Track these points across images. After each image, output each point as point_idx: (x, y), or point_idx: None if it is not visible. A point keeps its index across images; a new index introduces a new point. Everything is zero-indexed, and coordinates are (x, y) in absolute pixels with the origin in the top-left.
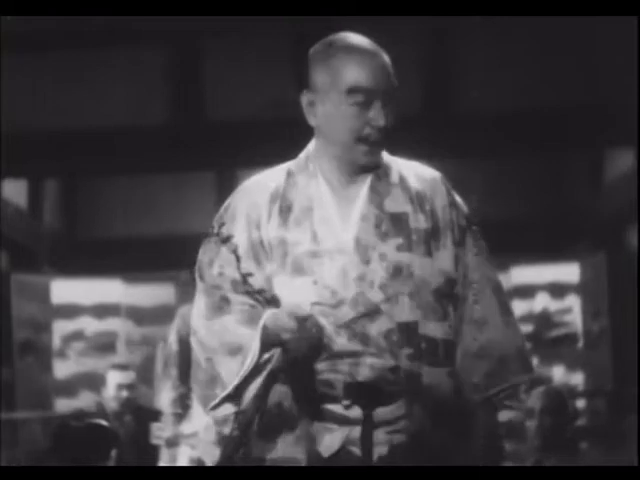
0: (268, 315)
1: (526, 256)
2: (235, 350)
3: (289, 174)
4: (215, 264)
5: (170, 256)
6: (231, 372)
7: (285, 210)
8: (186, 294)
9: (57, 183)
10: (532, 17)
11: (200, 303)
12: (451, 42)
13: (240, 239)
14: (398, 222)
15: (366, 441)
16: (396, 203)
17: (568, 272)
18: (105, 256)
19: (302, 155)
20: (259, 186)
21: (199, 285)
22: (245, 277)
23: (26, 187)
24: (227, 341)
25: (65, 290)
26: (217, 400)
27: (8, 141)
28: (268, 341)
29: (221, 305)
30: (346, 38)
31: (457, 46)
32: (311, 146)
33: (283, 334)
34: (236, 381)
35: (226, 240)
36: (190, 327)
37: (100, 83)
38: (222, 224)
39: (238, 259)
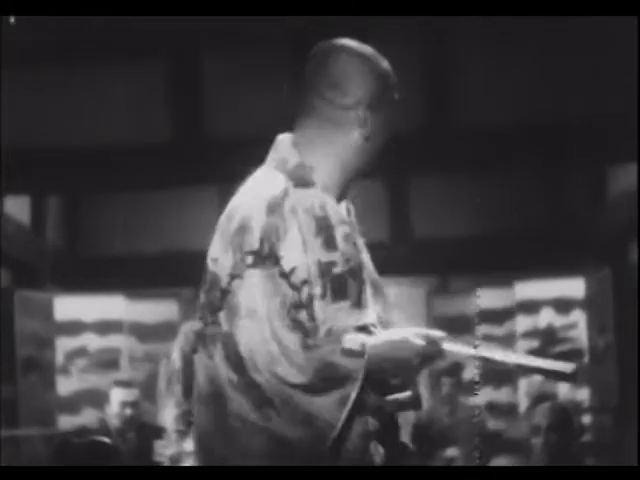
0: (379, 342)
1: (530, 271)
2: (336, 383)
3: (288, 189)
4: (282, 300)
5: (172, 272)
6: (330, 408)
7: (318, 230)
8: (189, 311)
9: (59, 200)
10: (536, 31)
11: (273, 339)
12: (451, 56)
13: (298, 265)
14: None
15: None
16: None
17: (573, 287)
18: (108, 273)
19: (295, 167)
20: (276, 202)
21: (265, 323)
22: (308, 304)
23: (29, 204)
24: (326, 375)
25: (68, 307)
26: (330, 443)
27: (9, 157)
28: (376, 369)
29: (307, 344)
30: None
31: (457, 60)
32: (296, 158)
33: (413, 359)
34: (343, 418)
35: (291, 272)
36: (250, 365)
37: (101, 99)
38: (274, 252)
39: (298, 288)
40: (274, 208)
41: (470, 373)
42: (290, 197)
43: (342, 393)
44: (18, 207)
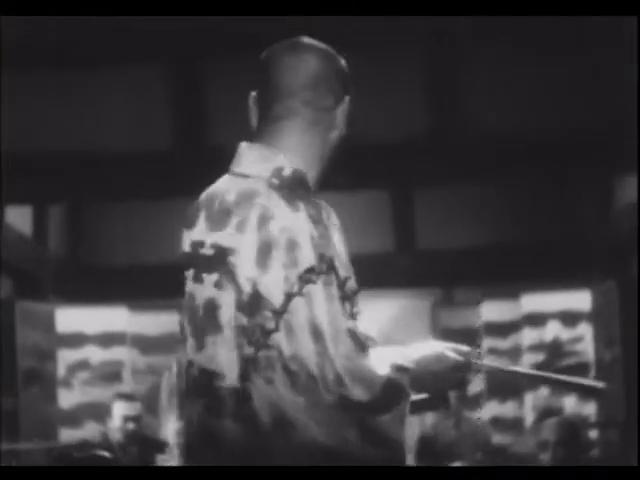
0: (418, 358)
1: (536, 284)
2: (395, 400)
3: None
4: (343, 313)
5: (176, 283)
6: (393, 426)
7: (341, 239)
8: None
9: (62, 208)
10: (546, 38)
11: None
12: (457, 67)
13: (349, 275)
14: None
15: None
16: None
17: (580, 300)
18: (110, 283)
19: (294, 175)
20: (315, 211)
21: (332, 341)
22: (355, 316)
23: (30, 212)
24: (388, 392)
25: (70, 318)
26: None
27: (10, 163)
28: (417, 384)
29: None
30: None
31: (464, 70)
32: (289, 165)
33: (451, 373)
34: (415, 436)
35: (344, 282)
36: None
37: (103, 108)
38: (331, 264)
39: (351, 299)
40: (315, 218)
41: (475, 387)
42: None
43: (400, 410)
44: (19, 215)
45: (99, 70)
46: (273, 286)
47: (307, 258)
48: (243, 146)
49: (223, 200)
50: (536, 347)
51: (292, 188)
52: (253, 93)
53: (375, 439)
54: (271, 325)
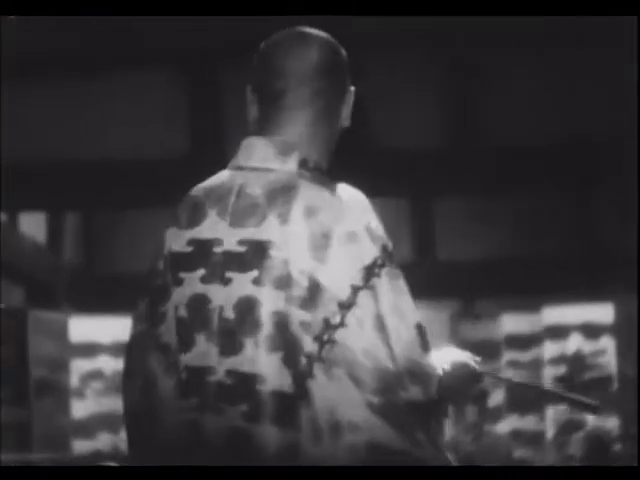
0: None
1: (558, 296)
2: (437, 402)
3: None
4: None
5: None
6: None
7: None
8: None
9: (76, 216)
10: (563, 48)
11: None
12: (475, 76)
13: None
14: None
15: None
16: None
17: (602, 312)
18: (124, 293)
19: (317, 166)
20: (365, 200)
21: (402, 334)
22: None
23: (44, 220)
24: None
25: (83, 328)
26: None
27: (23, 171)
28: (443, 393)
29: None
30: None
31: (482, 80)
32: (312, 156)
33: (474, 383)
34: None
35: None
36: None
37: (117, 114)
38: (393, 253)
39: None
40: (369, 206)
41: (495, 400)
42: None
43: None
44: (33, 224)
45: (114, 77)
46: (336, 278)
47: (370, 250)
48: (252, 140)
49: (244, 194)
50: (557, 360)
51: (322, 180)
52: (251, 85)
53: (439, 441)
54: (337, 319)
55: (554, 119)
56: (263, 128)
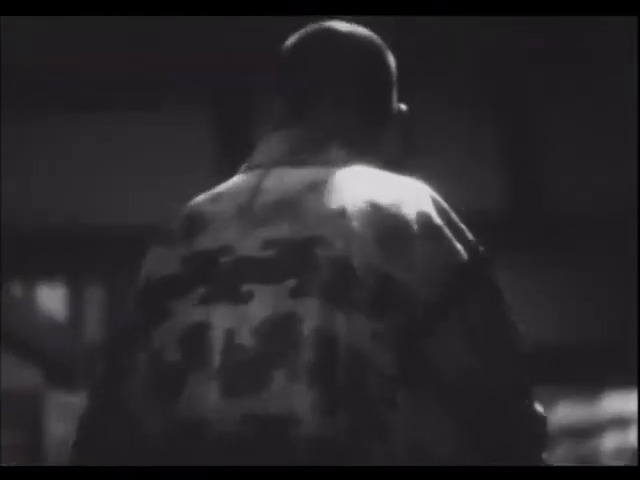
0: None
1: (619, 384)
2: None
3: None
4: None
5: None
6: None
7: None
8: None
9: (98, 288)
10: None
11: None
12: (535, 138)
13: None
14: None
15: None
16: None
17: None
18: None
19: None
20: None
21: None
22: None
23: (64, 292)
24: None
25: None
26: None
27: (42, 237)
28: None
29: None
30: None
31: (542, 141)
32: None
33: None
34: None
35: None
36: None
37: (145, 181)
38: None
39: None
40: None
41: None
42: None
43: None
44: (52, 295)
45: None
46: (418, 280)
47: (460, 249)
48: (274, 135)
49: (268, 191)
50: (619, 452)
51: (377, 170)
52: (279, 83)
53: None
54: (423, 326)
55: (619, 188)
56: (288, 123)
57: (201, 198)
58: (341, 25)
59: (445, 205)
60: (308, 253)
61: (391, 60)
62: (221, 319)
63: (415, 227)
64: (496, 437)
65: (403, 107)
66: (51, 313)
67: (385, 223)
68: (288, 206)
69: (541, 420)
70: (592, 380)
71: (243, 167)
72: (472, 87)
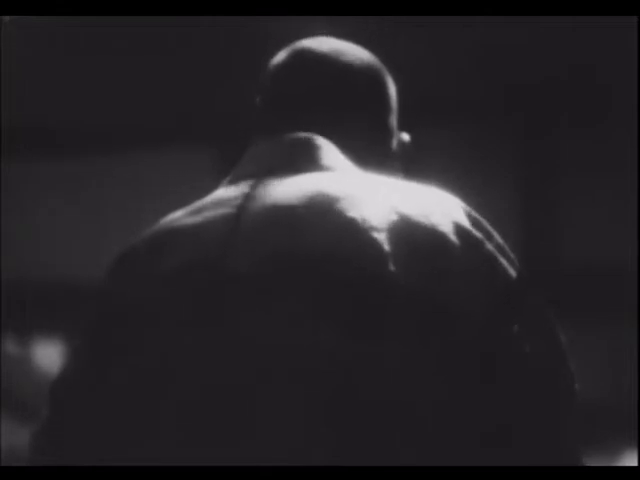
0: None
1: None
2: None
3: None
4: None
5: None
6: None
7: None
8: None
9: None
10: None
11: None
12: (556, 187)
13: None
14: None
15: None
16: None
17: None
18: None
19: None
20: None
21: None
22: None
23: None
24: None
25: None
26: None
27: (30, 292)
28: None
29: None
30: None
31: (562, 190)
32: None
33: None
34: None
35: None
36: None
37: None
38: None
39: None
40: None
41: None
42: None
43: None
44: (51, 353)
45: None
46: (463, 303)
47: (506, 268)
48: (263, 144)
49: (261, 202)
50: None
51: (391, 178)
52: (271, 89)
53: None
54: (467, 354)
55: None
56: (277, 129)
57: (177, 213)
58: (341, 42)
59: (480, 217)
60: (315, 272)
61: (390, 83)
62: (193, 351)
63: (453, 240)
64: None
65: (406, 137)
66: (49, 371)
67: (416, 236)
68: (288, 217)
69: None
70: (611, 441)
71: (225, 180)
72: (495, 136)
